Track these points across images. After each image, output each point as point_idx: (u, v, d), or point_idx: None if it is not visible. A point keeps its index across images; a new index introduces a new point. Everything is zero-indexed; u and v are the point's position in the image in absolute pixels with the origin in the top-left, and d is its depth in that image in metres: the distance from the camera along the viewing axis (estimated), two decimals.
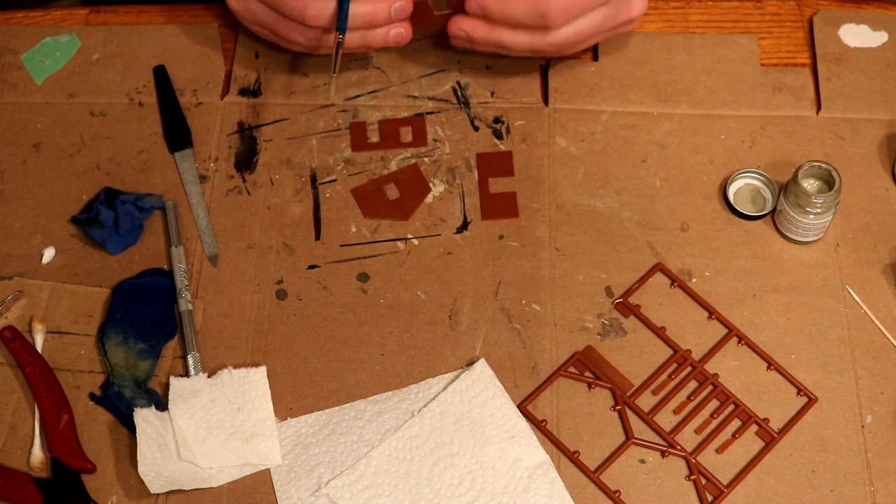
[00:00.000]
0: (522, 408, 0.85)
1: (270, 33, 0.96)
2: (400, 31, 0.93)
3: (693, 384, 0.87)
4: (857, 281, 0.91)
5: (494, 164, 0.96)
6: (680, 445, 0.84)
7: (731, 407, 0.86)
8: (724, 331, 0.89)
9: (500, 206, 0.94)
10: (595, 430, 0.85)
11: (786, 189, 0.90)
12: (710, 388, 0.86)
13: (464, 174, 0.96)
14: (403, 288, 0.91)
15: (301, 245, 0.93)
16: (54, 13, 1.05)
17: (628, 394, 0.86)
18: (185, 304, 0.89)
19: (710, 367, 0.87)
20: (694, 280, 0.91)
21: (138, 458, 0.81)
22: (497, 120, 0.99)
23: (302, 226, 0.94)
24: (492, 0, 0.90)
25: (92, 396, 0.86)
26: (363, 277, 0.91)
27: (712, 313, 0.89)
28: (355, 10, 0.91)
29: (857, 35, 1.02)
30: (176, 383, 0.85)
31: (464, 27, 0.93)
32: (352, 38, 0.93)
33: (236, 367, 0.86)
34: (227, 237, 0.93)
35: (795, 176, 0.89)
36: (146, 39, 1.02)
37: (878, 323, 0.89)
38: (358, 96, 1.00)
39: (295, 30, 0.94)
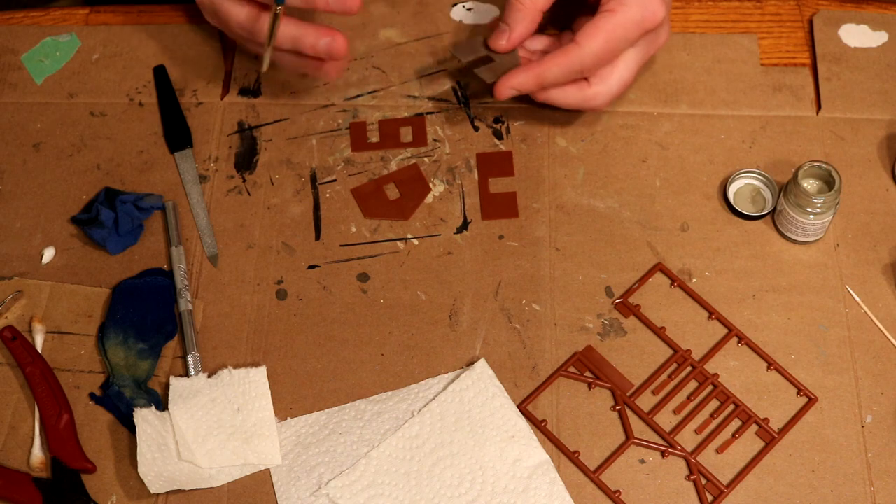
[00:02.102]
0: (522, 408, 0.85)
1: (216, 20, 0.94)
2: None
3: (693, 384, 0.87)
4: (857, 281, 0.91)
5: (494, 164, 0.96)
6: (680, 445, 0.84)
7: (731, 407, 0.86)
8: (724, 331, 0.89)
9: (500, 206, 0.94)
10: (595, 430, 0.85)
11: (786, 189, 0.90)
12: (710, 388, 0.86)
13: (464, 174, 0.96)
14: (403, 288, 0.91)
15: (301, 245, 0.93)
16: (54, 13, 1.05)
17: (628, 394, 0.86)
18: (185, 304, 0.89)
19: (710, 367, 0.87)
20: (694, 280, 0.91)
21: (138, 458, 0.81)
22: (497, 120, 0.99)
23: (302, 226, 0.94)
24: (529, 72, 0.91)
25: (92, 396, 0.86)
26: (363, 277, 0.91)
27: (712, 313, 0.89)
28: None
29: (857, 35, 1.02)
30: (176, 383, 0.85)
31: (513, 83, 0.93)
32: (288, 61, 0.93)
33: (236, 367, 0.86)
34: (227, 237, 0.93)
35: (795, 176, 0.89)
36: (146, 39, 1.02)
37: (878, 323, 0.89)
38: (358, 96, 1.00)
39: (236, 8, 0.91)
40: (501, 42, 0.93)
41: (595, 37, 0.89)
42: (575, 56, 0.90)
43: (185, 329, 0.88)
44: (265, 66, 0.93)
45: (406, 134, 0.98)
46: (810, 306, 0.89)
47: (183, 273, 0.90)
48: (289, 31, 0.90)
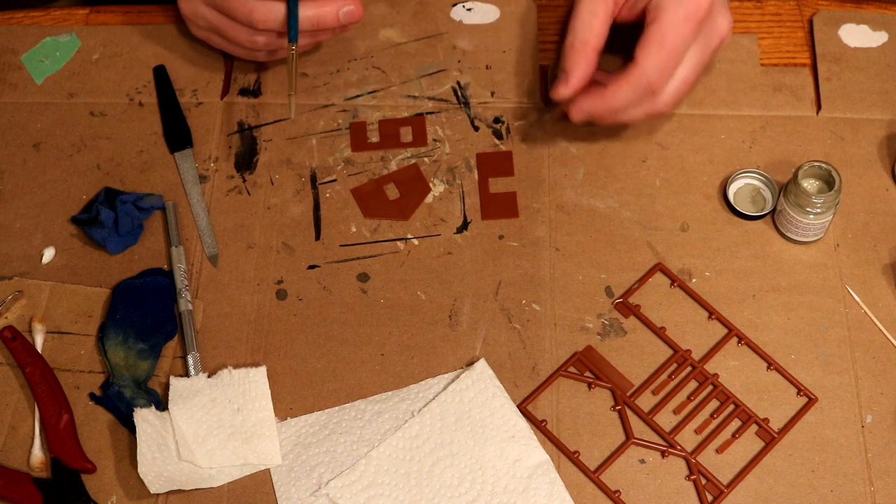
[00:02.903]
0: (522, 408, 0.85)
1: (219, 38, 0.96)
2: (350, 9, 0.92)
3: (693, 384, 0.87)
4: (857, 281, 0.91)
5: (494, 164, 0.96)
6: (680, 445, 0.84)
7: (731, 407, 0.86)
8: (724, 331, 0.89)
9: (500, 206, 0.94)
10: (595, 430, 0.85)
11: (786, 189, 0.90)
12: (710, 388, 0.86)
13: (464, 174, 0.96)
14: (403, 288, 0.91)
15: (301, 245, 0.93)
16: (54, 13, 1.05)
17: (628, 394, 0.86)
18: (185, 304, 0.89)
19: (710, 367, 0.87)
20: (694, 280, 0.91)
21: (138, 458, 0.81)
22: (497, 120, 0.99)
23: (302, 226, 0.94)
24: (597, 102, 0.91)
25: (92, 396, 0.86)
26: (363, 277, 0.91)
27: (712, 313, 0.89)
28: (304, 14, 0.91)
29: (857, 35, 1.02)
30: (176, 383, 0.85)
31: (585, 109, 0.92)
32: (301, 41, 0.93)
33: (236, 367, 0.86)
34: (227, 237, 0.93)
35: (795, 176, 0.89)
36: (146, 39, 1.02)
37: (878, 323, 0.89)
38: (358, 96, 1.00)
39: (243, 33, 0.93)
40: (562, 90, 0.91)
41: (649, 50, 0.88)
42: (638, 76, 0.88)
43: (185, 329, 0.88)
44: (293, 113, 0.95)
45: (406, 134, 0.98)
46: (810, 306, 0.89)
47: (183, 273, 0.90)
48: (308, 13, 0.91)
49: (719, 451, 0.84)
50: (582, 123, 0.93)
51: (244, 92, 1.00)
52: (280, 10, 0.91)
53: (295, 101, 0.97)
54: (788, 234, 0.92)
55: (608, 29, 0.92)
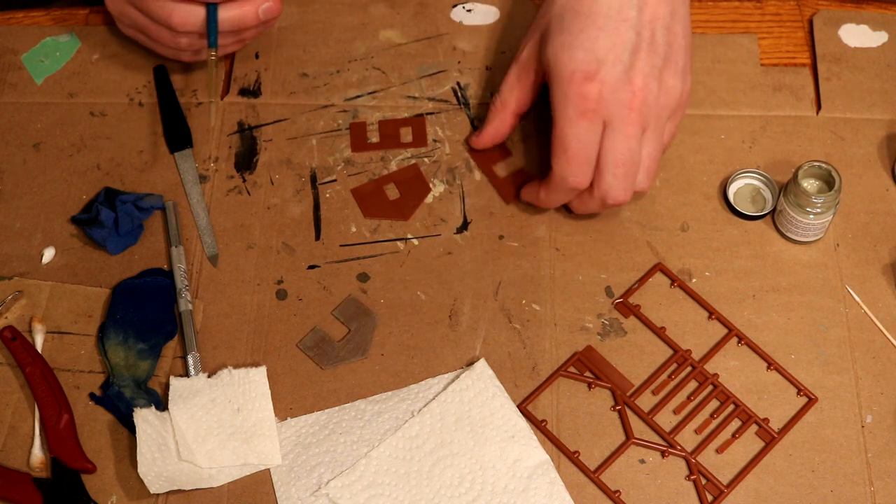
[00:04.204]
0: (522, 408, 0.85)
1: (144, 37, 0.97)
2: (269, 6, 0.93)
3: (693, 384, 0.87)
4: (857, 281, 0.91)
5: (488, 154, 0.96)
6: (680, 445, 0.84)
7: (731, 407, 0.86)
8: (724, 331, 0.89)
9: (517, 184, 0.95)
10: (595, 430, 0.85)
11: (786, 189, 0.90)
12: (710, 388, 0.86)
13: (464, 174, 0.96)
14: (403, 288, 0.91)
15: (301, 245, 0.93)
16: (54, 13, 1.05)
17: (628, 394, 0.86)
18: (185, 304, 0.89)
19: (710, 367, 0.87)
20: (694, 280, 0.91)
21: (138, 458, 0.81)
22: None
23: (302, 226, 0.94)
24: (538, 199, 0.91)
25: (92, 396, 0.86)
26: (363, 277, 0.91)
27: (712, 313, 0.89)
28: (224, 16, 0.92)
29: (857, 35, 1.02)
30: (176, 383, 0.85)
31: (528, 200, 0.93)
32: (224, 42, 0.94)
33: (236, 367, 0.86)
34: (227, 237, 0.93)
35: (795, 176, 0.89)
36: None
37: (878, 323, 0.89)
38: (358, 96, 1.00)
39: (164, 35, 0.94)
40: (473, 141, 0.96)
41: (558, 158, 0.86)
42: (559, 182, 0.87)
43: (185, 329, 0.88)
44: (213, 121, 0.95)
45: (406, 134, 0.98)
46: (810, 306, 0.89)
47: (183, 273, 0.90)
48: (228, 15, 0.92)
49: (719, 451, 0.84)
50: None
51: (244, 92, 1.00)
52: (199, 13, 0.91)
53: (216, 109, 0.98)
54: (788, 234, 0.92)
55: (531, 98, 0.93)
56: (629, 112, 0.85)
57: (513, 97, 0.93)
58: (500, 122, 0.94)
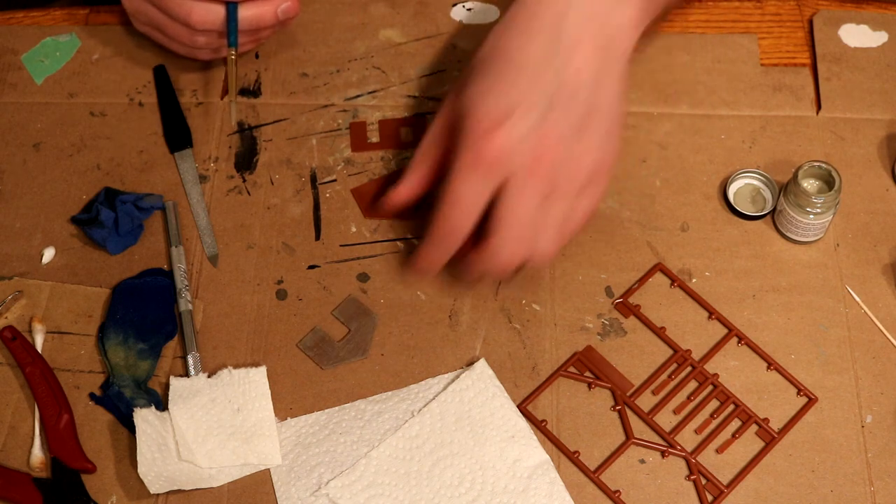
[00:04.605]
0: (522, 408, 0.85)
1: (161, 35, 0.97)
2: (288, 5, 0.93)
3: (693, 384, 0.87)
4: (857, 281, 0.91)
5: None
6: (680, 445, 0.84)
7: (731, 407, 0.86)
8: (724, 331, 0.89)
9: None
10: (595, 430, 0.85)
11: (786, 189, 0.90)
12: (710, 388, 0.86)
13: None
14: (403, 288, 0.91)
15: (301, 245, 0.93)
16: (54, 13, 1.05)
17: (628, 394, 0.86)
18: (185, 304, 0.89)
19: (710, 367, 0.87)
20: (694, 280, 0.91)
21: (138, 458, 0.81)
22: None
23: (302, 226, 0.94)
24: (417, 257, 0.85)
25: (92, 396, 0.86)
26: (363, 277, 0.91)
27: (712, 313, 0.89)
28: (243, 15, 0.92)
29: (857, 35, 1.02)
30: (176, 383, 0.85)
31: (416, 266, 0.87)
32: (241, 40, 0.94)
33: (236, 367, 0.86)
34: (227, 237, 0.93)
35: (795, 176, 0.89)
36: (146, 39, 1.02)
37: (878, 323, 0.89)
38: (358, 96, 1.00)
39: (182, 33, 0.94)
40: (392, 193, 0.89)
41: (441, 202, 0.80)
42: (435, 236, 0.81)
43: (185, 329, 0.88)
44: (234, 120, 0.95)
45: (406, 134, 0.98)
46: (810, 306, 0.89)
47: (183, 273, 0.90)
48: (247, 14, 0.92)
49: (719, 451, 0.84)
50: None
51: (244, 92, 1.00)
52: (218, 11, 0.91)
53: (236, 108, 0.98)
54: (788, 234, 0.92)
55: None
56: (531, 173, 0.78)
57: (432, 150, 0.86)
58: (418, 178, 0.87)
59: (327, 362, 0.87)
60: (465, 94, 0.81)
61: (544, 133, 0.78)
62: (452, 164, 0.79)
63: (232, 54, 0.92)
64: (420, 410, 0.85)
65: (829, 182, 0.90)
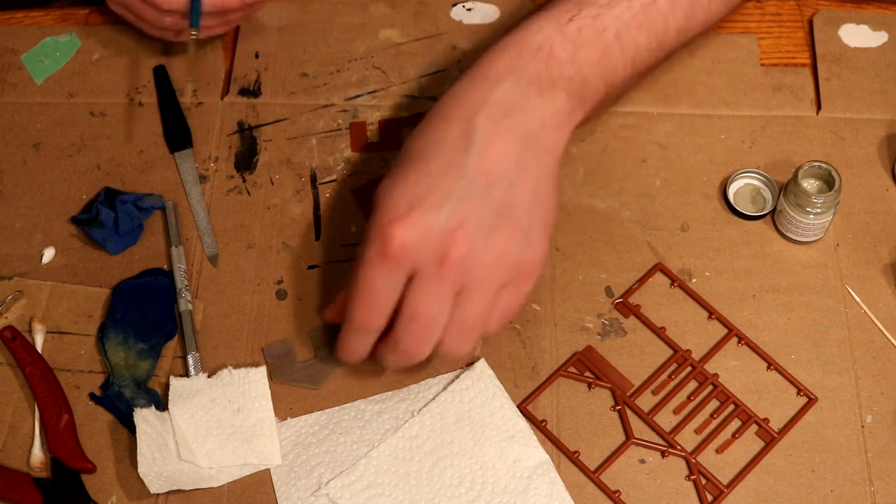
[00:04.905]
0: (522, 408, 0.85)
1: (131, 15, 0.98)
2: None
3: (693, 384, 0.87)
4: (857, 281, 0.91)
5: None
6: (680, 445, 0.84)
7: (731, 407, 0.86)
8: (724, 331, 0.89)
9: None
10: (595, 430, 0.85)
11: (786, 189, 0.90)
12: (710, 388, 0.86)
13: None
14: None
15: (301, 245, 0.93)
16: (54, 13, 1.05)
17: (628, 394, 0.86)
18: (185, 304, 0.89)
19: (710, 367, 0.87)
20: (694, 280, 0.91)
21: (138, 458, 0.81)
22: None
23: (302, 226, 0.94)
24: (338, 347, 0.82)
25: (92, 396, 0.86)
26: None
27: (712, 313, 0.89)
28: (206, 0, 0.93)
29: (857, 35, 1.02)
30: (176, 383, 0.85)
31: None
32: (209, 23, 0.95)
33: (236, 367, 0.86)
34: (227, 237, 0.93)
35: (795, 176, 0.89)
36: (146, 39, 1.02)
37: (878, 323, 0.89)
38: (358, 96, 1.00)
39: (149, 13, 0.95)
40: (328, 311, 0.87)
41: (349, 293, 0.78)
42: (347, 326, 0.79)
43: (185, 329, 0.88)
44: (190, 92, 0.96)
45: (406, 134, 0.98)
46: (810, 306, 0.89)
47: (183, 273, 0.90)
48: None
49: (719, 451, 0.84)
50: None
51: (244, 92, 1.00)
52: None
53: (192, 88, 0.99)
54: (788, 234, 0.92)
55: None
56: (437, 268, 0.75)
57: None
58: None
59: (280, 376, 0.86)
60: (378, 187, 0.78)
61: (453, 226, 0.75)
62: (358, 254, 0.78)
63: (193, 35, 0.93)
64: (420, 410, 0.85)
65: (829, 182, 0.90)
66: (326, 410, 0.85)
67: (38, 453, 0.83)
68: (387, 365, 0.82)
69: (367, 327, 0.79)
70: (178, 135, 0.98)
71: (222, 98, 1.00)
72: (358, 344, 0.80)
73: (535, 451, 0.83)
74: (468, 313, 0.77)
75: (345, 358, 0.82)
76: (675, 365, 0.87)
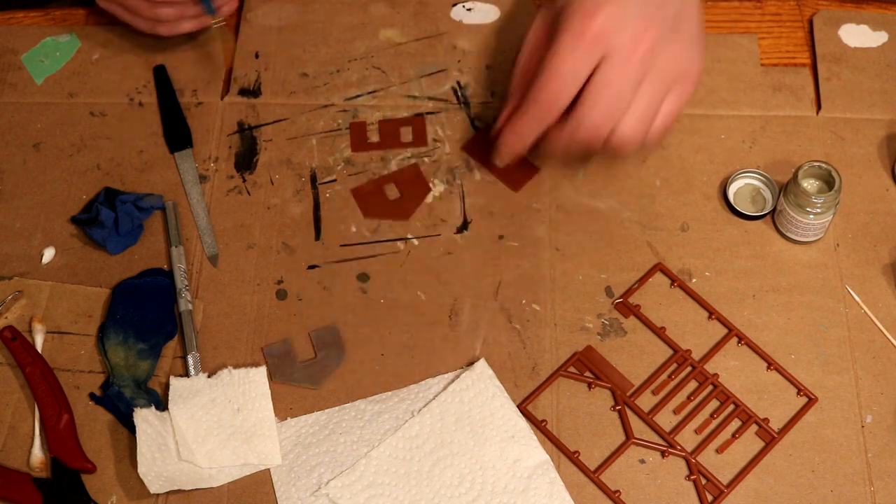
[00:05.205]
0: (522, 408, 0.85)
1: (122, 10, 0.97)
2: None
3: (693, 384, 0.87)
4: (857, 281, 0.91)
5: (482, 147, 0.96)
6: (680, 445, 0.84)
7: (731, 407, 0.86)
8: (724, 331, 0.89)
9: (518, 174, 0.94)
10: (595, 430, 0.85)
11: (786, 189, 0.90)
12: (710, 388, 0.86)
13: (464, 174, 0.96)
14: (403, 288, 0.91)
15: (301, 245, 0.93)
16: (54, 13, 1.05)
17: (628, 394, 0.86)
18: (185, 304, 0.89)
19: (710, 367, 0.87)
20: (694, 280, 0.91)
21: (138, 458, 0.81)
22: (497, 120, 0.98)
23: (302, 226, 0.94)
24: (505, 133, 0.88)
25: (92, 396, 0.86)
26: (363, 277, 0.91)
27: (712, 313, 0.89)
28: None
29: (857, 35, 1.02)
30: (176, 383, 0.85)
31: (501, 157, 0.90)
32: (219, 2, 0.95)
33: (236, 367, 0.86)
34: (227, 237, 0.93)
35: (795, 176, 0.89)
36: (146, 39, 1.02)
37: (878, 323, 0.89)
38: (358, 96, 1.00)
39: (142, 5, 0.95)
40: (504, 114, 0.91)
41: (539, 74, 0.82)
42: (530, 105, 0.84)
43: (185, 329, 0.88)
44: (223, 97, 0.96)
45: (406, 134, 0.98)
46: (810, 306, 0.89)
47: (183, 273, 0.90)
48: None
49: (719, 451, 0.84)
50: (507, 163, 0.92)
51: (244, 92, 1.00)
52: None
53: (232, 76, 0.99)
54: (788, 234, 0.92)
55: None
56: (629, 54, 0.81)
57: (531, 67, 0.87)
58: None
59: (280, 376, 0.86)
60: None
61: (642, 23, 0.82)
62: (553, 43, 0.82)
63: (214, 22, 0.92)
64: (420, 410, 0.85)
65: (829, 182, 0.90)
66: (326, 410, 0.86)
67: (38, 453, 0.83)
68: (556, 152, 0.86)
69: (550, 109, 0.83)
70: (178, 135, 0.98)
71: (222, 98, 1.00)
72: (531, 130, 0.85)
73: (535, 451, 0.83)
74: (644, 102, 0.83)
75: (509, 148, 0.88)
76: (675, 365, 0.87)
